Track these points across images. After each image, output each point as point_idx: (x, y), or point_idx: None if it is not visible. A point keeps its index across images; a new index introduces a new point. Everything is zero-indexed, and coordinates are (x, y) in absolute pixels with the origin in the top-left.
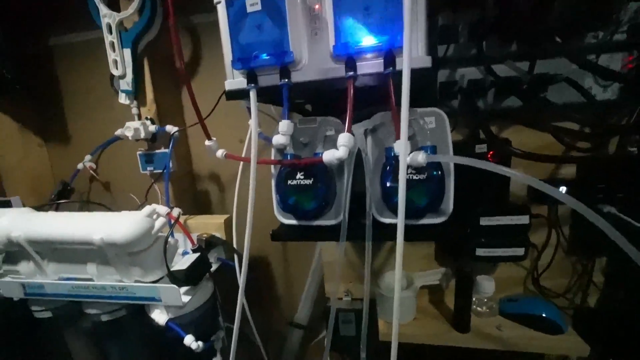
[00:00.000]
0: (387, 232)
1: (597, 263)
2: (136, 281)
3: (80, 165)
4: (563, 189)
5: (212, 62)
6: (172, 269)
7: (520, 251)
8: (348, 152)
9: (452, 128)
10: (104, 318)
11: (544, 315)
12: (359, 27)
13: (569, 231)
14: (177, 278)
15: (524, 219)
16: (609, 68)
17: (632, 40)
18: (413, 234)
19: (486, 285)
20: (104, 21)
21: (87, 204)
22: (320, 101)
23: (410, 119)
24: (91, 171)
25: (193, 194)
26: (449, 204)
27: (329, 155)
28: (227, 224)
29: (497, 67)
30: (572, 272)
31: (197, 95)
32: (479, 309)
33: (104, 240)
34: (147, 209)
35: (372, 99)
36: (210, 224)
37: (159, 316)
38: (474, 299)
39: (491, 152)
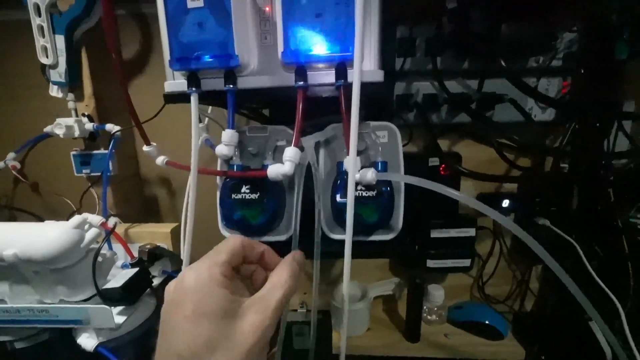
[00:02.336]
0: (337, 249)
1: (534, 271)
2: (61, 301)
3: (1, 164)
4: (506, 202)
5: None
6: (105, 287)
7: (467, 262)
8: (294, 167)
9: (407, 140)
10: (19, 345)
11: (487, 322)
12: (310, 34)
13: (510, 241)
14: (109, 298)
15: (471, 232)
16: (540, 92)
17: (566, 66)
18: (363, 251)
19: (436, 294)
20: (31, 1)
21: (7, 210)
22: (278, 106)
23: (363, 133)
24: (14, 171)
25: (140, 199)
26: (398, 220)
27: (274, 170)
28: (175, 233)
29: (450, 83)
30: (513, 280)
31: (146, 92)
32: (429, 317)
33: (18, 256)
34: (76, 219)
35: (329, 108)
36: (155, 234)
37: (87, 341)
38: (424, 308)
39: (443, 165)
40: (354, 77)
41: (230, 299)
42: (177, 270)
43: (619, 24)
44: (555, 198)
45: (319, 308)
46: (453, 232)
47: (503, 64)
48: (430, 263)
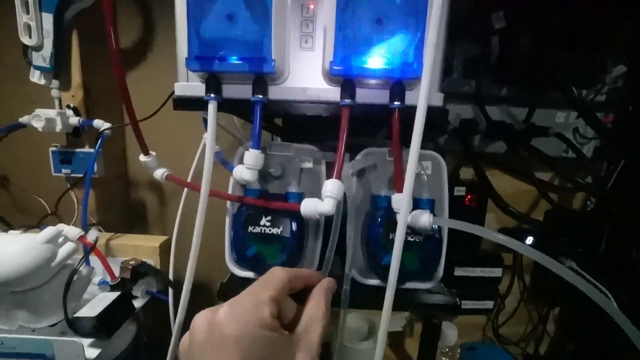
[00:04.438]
0: (367, 296)
1: (551, 313)
2: (21, 328)
3: None
4: (530, 239)
5: (168, 47)
6: (77, 314)
7: (489, 304)
8: (336, 206)
9: None
10: None
11: None
12: (367, 42)
13: (529, 280)
14: (82, 329)
15: (497, 272)
16: (606, 126)
17: (610, 101)
18: (397, 300)
19: (449, 333)
20: None
21: None
22: (295, 117)
23: (405, 162)
24: None
25: (125, 205)
26: (440, 268)
27: (310, 208)
28: (164, 248)
29: (489, 109)
30: (528, 321)
31: (145, 87)
32: (441, 358)
33: None
34: (48, 231)
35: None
36: (141, 247)
37: None
38: None
39: (469, 196)
40: (420, 100)
41: (281, 342)
42: (164, 290)
43: None
44: (582, 238)
45: None
46: (478, 271)
47: (575, 91)
48: None
